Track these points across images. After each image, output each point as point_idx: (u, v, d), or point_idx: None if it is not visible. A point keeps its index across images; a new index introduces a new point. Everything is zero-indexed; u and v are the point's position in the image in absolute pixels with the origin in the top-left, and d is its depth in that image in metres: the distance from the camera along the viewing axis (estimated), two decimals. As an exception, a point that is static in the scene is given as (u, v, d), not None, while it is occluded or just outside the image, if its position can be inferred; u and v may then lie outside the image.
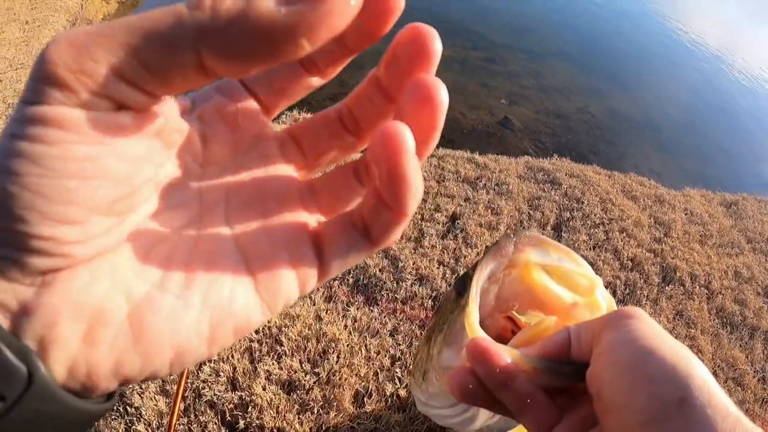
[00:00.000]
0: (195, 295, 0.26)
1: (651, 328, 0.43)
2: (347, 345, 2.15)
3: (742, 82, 7.99)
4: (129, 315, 0.24)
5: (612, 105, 6.12)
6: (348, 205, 0.33)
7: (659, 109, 6.37)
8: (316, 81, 0.32)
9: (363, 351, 2.15)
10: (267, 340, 2.11)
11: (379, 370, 2.10)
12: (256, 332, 2.11)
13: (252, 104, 0.32)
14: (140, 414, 1.81)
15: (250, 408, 1.87)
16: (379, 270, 2.57)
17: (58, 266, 0.23)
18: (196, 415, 1.84)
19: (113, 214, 0.24)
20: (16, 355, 0.22)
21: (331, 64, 0.30)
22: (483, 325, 0.55)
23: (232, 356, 2.02)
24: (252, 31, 0.21)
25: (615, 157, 5.01)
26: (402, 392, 2.04)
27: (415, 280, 2.56)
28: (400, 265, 2.62)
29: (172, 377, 1.83)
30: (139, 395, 1.85)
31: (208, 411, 1.85)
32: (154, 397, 1.86)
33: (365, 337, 2.22)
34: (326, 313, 2.29)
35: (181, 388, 1.12)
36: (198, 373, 1.94)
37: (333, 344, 2.14)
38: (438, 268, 2.66)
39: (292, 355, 2.08)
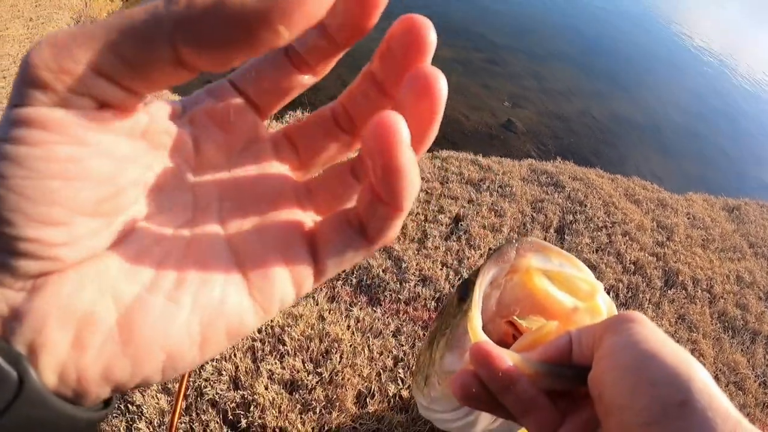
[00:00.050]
0: (185, 295, 0.26)
1: (652, 332, 0.43)
2: (350, 345, 2.16)
3: (745, 86, 7.97)
4: (118, 319, 0.24)
5: (614, 107, 6.12)
6: (345, 204, 0.32)
7: (661, 112, 6.36)
8: (309, 79, 0.31)
9: (366, 351, 2.15)
10: (270, 340, 2.12)
11: (381, 371, 2.10)
12: (259, 331, 2.12)
13: (243, 105, 0.31)
14: (141, 412, 1.81)
15: (252, 407, 1.87)
16: (383, 270, 2.58)
17: (47, 269, 0.23)
18: (197, 414, 1.84)
19: (99, 216, 0.24)
20: (6, 360, 0.21)
21: (322, 61, 0.30)
22: (485, 330, 0.55)
23: (235, 355, 2.02)
24: (226, 19, 0.20)
25: (617, 160, 5.01)
26: (405, 393, 2.04)
27: (418, 281, 2.57)
28: (404, 265, 2.62)
29: (175, 376, 1.83)
30: (141, 393, 1.86)
31: (210, 410, 1.85)
32: (156, 395, 1.86)
33: (368, 337, 2.22)
34: (329, 313, 2.30)
35: (183, 386, 1.12)
36: (200, 372, 1.95)
37: (336, 344, 2.14)
38: (441, 269, 2.67)
39: (295, 354, 2.08)
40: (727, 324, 2.89)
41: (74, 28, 0.21)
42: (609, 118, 5.86)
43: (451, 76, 0.24)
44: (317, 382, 2.00)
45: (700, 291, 3.03)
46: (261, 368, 2.00)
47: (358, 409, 1.97)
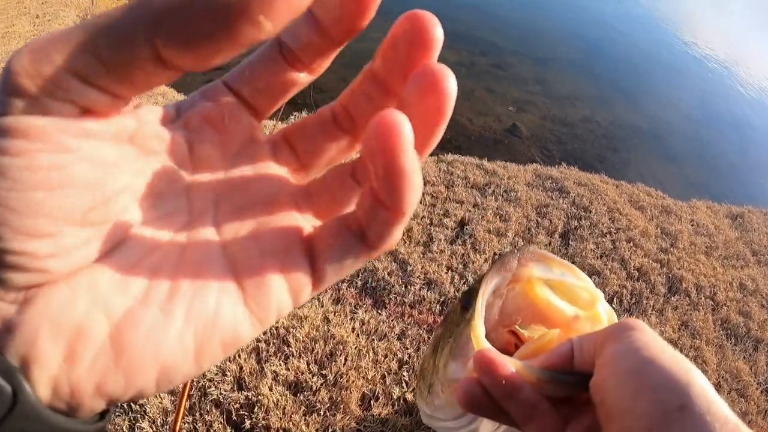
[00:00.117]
0: (178, 307, 0.25)
1: (652, 339, 0.44)
2: (355, 347, 2.16)
3: (750, 94, 7.94)
4: (110, 332, 0.23)
5: (618, 113, 6.10)
6: (345, 208, 0.31)
7: (665, 118, 6.34)
8: (305, 77, 0.30)
9: (370, 354, 2.16)
10: (274, 341, 2.13)
11: (386, 374, 2.11)
12: (264, 332, 2.11)
13: (239, 107, 0.30)
14: (144, 411, 1.81)
15: (256, 408, 1.87)
16: (388, 273, 2.58)
17: (36, 281, 0.22)
18: (201, 414, 1.84)
19: (88, 225, 0.23)
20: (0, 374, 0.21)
21: (317, 58, 0.29)
22: (487, 338, 0.56)
23: (239, 356, 2.02)
24: (203, 12, 0.19)
25: (621, 166, 5.00)
26: (409, 396, 2.04)
27: (423, 284, 2.58)
28: (409, 269, 2.63)
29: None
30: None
31: (214, 410, 1.86)
32: (159, 395, 1.85)
33: (373, 340, 2.23)
34: (334, 315, 2.30)
35: (187, 386, 1.12)
36: (204, 372, 1.94)
37: (340, 346, 2.15)
38: (446, 273, 2.67)
39: (300, 356, 2.09)
40: (729, 331, 2.89)
41: (53, 32, 0.21)
42: (613, 124, 5.85)
43: (456, 80, 0.25)
44: (322, 384, 2.00)
45: (703, 298, 3.03)
46: (265, 369, 2.00)
47: (363, 412, 1.97)
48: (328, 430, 1.89)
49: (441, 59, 0.26)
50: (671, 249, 3.40)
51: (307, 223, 0.30)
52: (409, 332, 2.30)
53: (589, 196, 3.73)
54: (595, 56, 7.66)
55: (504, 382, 0.46)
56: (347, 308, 2.36)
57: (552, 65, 6.85)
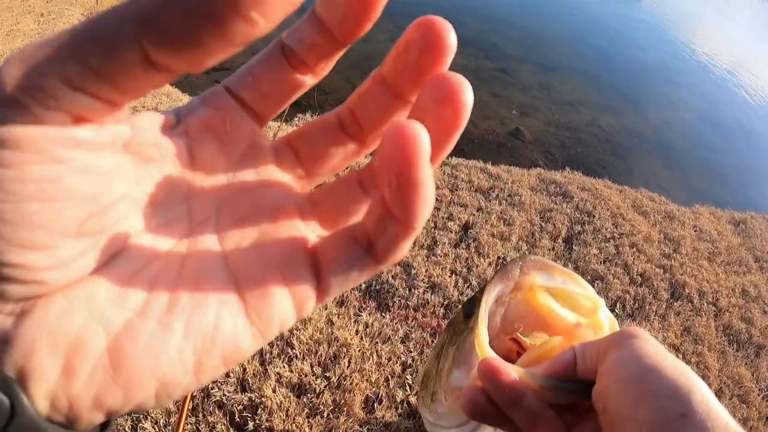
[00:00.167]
0: (177, 321, 0.24)
1: (654, 347, 0.44)
2: (358, 350, 2.17)
3: (755, 101, 7.92)
4: (108, 346, 0.23)
5: (621, 119, 6.09)
6: (351, 218, 0.30)
7: (668, 124, 6.32)
8: (309, 80, 0.29)
9: (374, 357, 2.16)
10: (278, 343, 2.13)
11: (390, 376, 2.11)
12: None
13: (240, 112, 0.29)
14: (147, 412, 1.80)
15: (259, 410, 1.88)
16: (392, 276, 2.59)
17: (33, 293, 0.22)
18: (204, 415, 1.85)
19: (84, 236, 0.23)
20: None
21: (321, 60, 0.28)
22: (490, 346, 0.56)
23: (243, 357, 2.02)
24: (190, 9, 0.18)
25: (624, 172, 4.99)
26: (413, 399, 2.04)
27: (427, 287, 2.59)
28: (413, 272, 2.64)
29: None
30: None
31: (217, 411, 1.86)
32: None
33: (376, 342, 2.24)
34: (338, 317, 2.31)
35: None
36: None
37: (344, 349, 2.15)
38: (450, 276, 2.68)
39: (303, 358, 2.09)
40: (732, 337, 2.89)
41: (41, 39, 0.20)
42: (617, 129, 5.83)
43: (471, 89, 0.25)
44: (325, 386, 2.00)
45: (705, 304, 3.03)
46: (269, 371, 2.01)
47: (366, 415, 1.97)
48: (331, 432, 1.89)
49: (447, 64, 0.26)
50: (674, 254, 3.40)
51: (311, 232, 0.29)
52: (413, 335, 2.31)
53: (593, 201, 3.74)
54: (600, 62, 7.65)
55: (507, 389, 0.47)
56: (351, 311, 2.37)
57: (557, 71, 6.85)
